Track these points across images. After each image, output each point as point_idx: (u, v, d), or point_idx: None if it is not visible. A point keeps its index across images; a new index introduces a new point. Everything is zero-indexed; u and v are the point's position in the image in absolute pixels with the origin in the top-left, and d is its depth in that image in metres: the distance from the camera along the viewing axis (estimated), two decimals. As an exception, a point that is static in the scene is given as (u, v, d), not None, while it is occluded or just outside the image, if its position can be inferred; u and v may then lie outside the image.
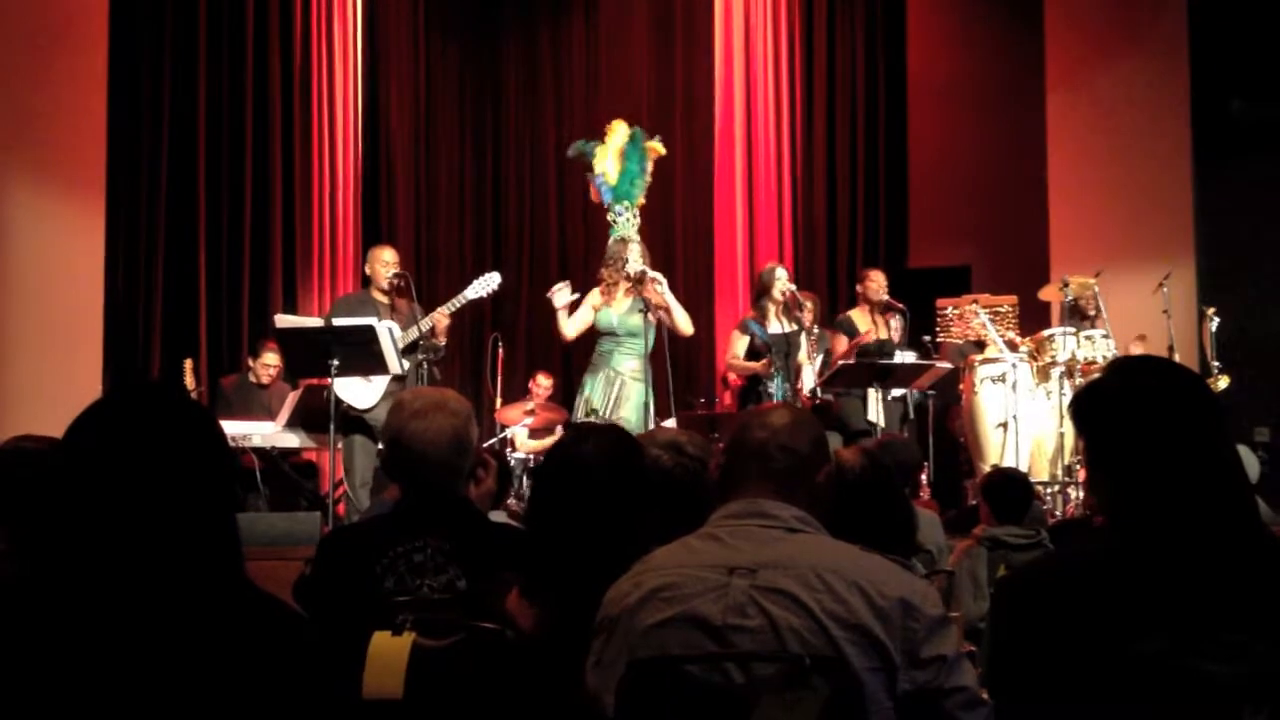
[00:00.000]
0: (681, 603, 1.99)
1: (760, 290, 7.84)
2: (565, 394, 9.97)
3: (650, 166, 7.89)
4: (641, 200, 7.77)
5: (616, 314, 7.10)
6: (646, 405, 6.99)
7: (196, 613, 1.56)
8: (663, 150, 8.04)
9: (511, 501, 7.37)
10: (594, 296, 7.24)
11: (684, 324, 7.22)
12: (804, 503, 2.12)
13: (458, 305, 7.04)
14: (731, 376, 8.82)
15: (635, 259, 7.17)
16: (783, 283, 7.67)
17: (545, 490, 2.49)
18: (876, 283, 7.96)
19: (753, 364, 7.61)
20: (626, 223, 7.60)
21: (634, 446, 2.52)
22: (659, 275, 7.21)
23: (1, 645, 1.52)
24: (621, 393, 7.01)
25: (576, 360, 10.64)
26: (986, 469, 7.50)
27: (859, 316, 7.93)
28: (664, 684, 1.93)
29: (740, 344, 7.73)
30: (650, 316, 6.99)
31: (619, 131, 7.87)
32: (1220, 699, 1.65)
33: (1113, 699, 1.68)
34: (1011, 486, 5.06)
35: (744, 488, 2.13)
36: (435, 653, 2.31)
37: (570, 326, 7.20)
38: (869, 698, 1.89)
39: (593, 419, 6.86)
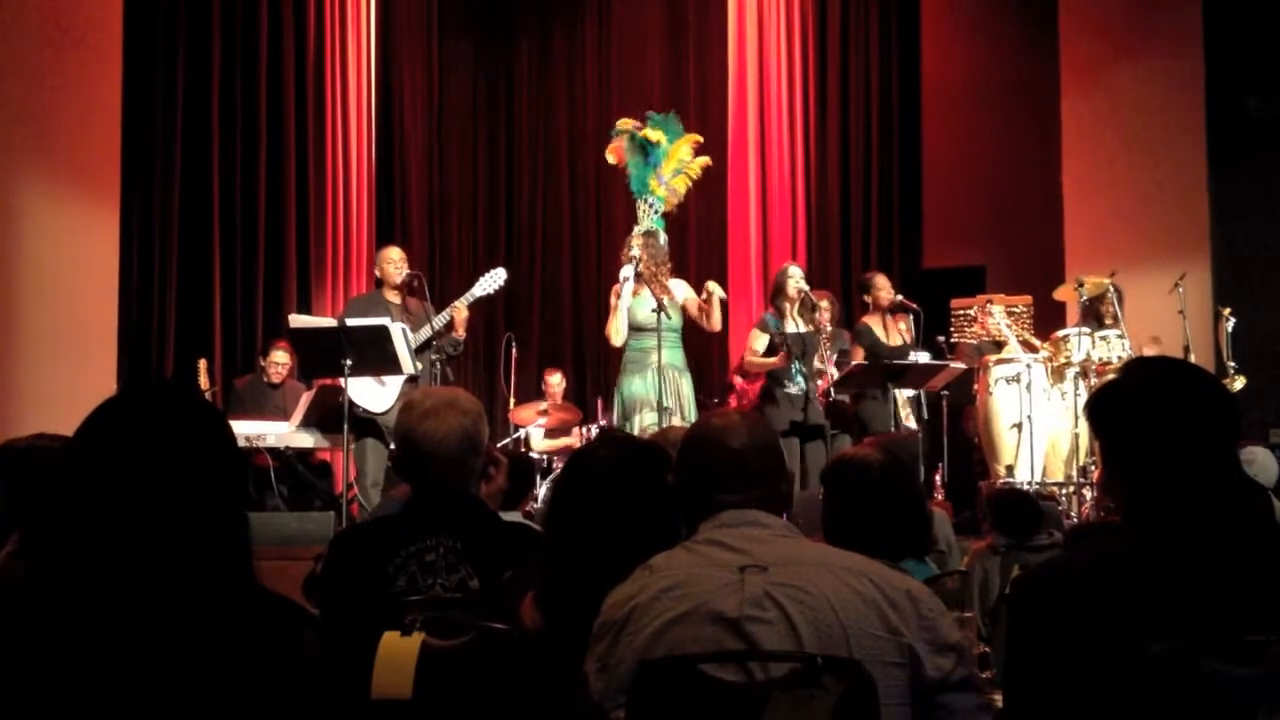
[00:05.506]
0: (695, 599, 1.97)
1: (775, 289, 7.70)
2: (578, 393, 9.96)
3: (664, 167, 7.83)
4: (652, 198, 7.77)
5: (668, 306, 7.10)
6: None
7: (204, 612, 1.56)
8: (685, 156, 7.94)
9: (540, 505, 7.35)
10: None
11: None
12: (779, 511, 2.13)
13: (468, 302, 7.02)
14: (739, 380, 8.74)
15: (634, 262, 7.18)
16: (796, 280, 7.52)
17: (561, 496, 2.48)
18: (883, 289, 7.91)
19: (769, 359, 7.41)
20: (646, 215, 7.63)
21: (655, 458, 2.45)
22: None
23: (11, 644, 1.52)
24: (681, 391, 7.04)
25: (590, 359, 10.65)
26: (1001, 470, 7.47)
27: (874, 324, 7.86)
28: (678, 682, 1.91)
29: (760, 341, 7.52)
30: (664, 315, 6.96)
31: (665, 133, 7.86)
32: (1236, 700, 1.64)
33: (1128, 699, 1.68)
34: (1019, 508, 4.94)
35: (726, 500, 2.11)
36: (444, 653, 2.29)
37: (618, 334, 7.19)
38: (883, 694, 1.88)
39: (671, 418, 6.83)
